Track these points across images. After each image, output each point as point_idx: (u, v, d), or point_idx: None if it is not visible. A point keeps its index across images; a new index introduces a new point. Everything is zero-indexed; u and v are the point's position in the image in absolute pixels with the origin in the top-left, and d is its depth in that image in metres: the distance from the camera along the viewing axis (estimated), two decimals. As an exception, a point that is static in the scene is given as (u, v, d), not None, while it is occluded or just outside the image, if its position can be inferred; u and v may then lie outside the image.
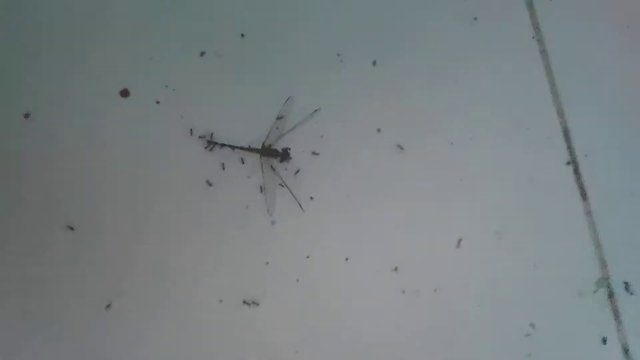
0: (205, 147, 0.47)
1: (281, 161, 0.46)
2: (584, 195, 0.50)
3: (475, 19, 0.52)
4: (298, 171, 0.47)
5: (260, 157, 0.47)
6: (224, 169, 0.47)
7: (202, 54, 0.48)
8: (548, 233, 0.50)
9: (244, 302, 0.46)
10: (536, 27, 0.53)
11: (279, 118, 0.47)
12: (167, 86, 0.48)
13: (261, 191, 0.46)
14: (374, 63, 0.50)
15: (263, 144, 0.47)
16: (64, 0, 0.48)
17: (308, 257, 0.47)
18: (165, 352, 0.45)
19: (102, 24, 0.48)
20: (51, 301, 0.45)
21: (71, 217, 0.46)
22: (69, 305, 0.45)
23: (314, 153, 0.48)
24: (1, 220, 0.46)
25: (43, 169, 0.46)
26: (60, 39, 0.48)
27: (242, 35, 0.49)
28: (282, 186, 0.47)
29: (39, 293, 0.45)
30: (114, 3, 0.49)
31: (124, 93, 0.47)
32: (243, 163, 0.47)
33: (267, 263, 0.47)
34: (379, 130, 0.50)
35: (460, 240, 0.49)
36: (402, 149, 0.49)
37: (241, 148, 0.47)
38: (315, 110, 0.48)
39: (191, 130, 0.47)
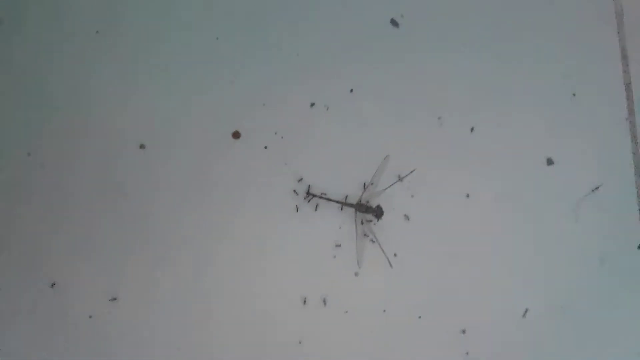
0: (304, 198, 0.50)
1: (376, 218, 0.49)
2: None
3: (574, 94, 0.53)
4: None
5: (355, 211, 0.49)
6: (316, 209, 0.50)
7: (312, 104, 0.51)
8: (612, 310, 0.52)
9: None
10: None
11: (377, 174, 0.49)
12: (276, 133, 0.50)
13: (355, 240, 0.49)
14: (472, 129, 0.52)
15: (359, 201, 0.49)
16: (186, 46, 0.52)
17: (385, 310, 0.50)
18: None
19: (221, 68, 0.51)
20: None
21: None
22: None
23: (405, 216, 0.51)
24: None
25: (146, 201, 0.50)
26: (184, 79, 0.51)
27: (351, 90, 0.51)
28: (373, 241, 0.49)
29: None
30: (236, 53, 0.52)
31: (236, 135, 0.49)
32: (341, 209, 0.50)
33: (346, 312, 0.50)
34: (467, 195, 0.52)
35: (527, 311, 0.51)
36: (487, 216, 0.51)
37: (337, 202, 0.49)
38: (412, 171, 0.50)
39: (298, 179, 0.50)
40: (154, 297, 0.49)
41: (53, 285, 0.49)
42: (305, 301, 0.49)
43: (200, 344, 0.49)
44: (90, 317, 0.49)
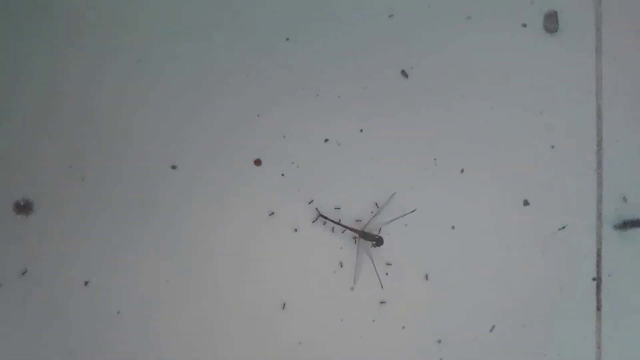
0: (315, 220, 0.57)
1: (375, 246, 0.57)
2: None
3: (553, 147, 0.61)
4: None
5: (359, 237, 0.57)
6: (332, 230, 0.57)
7: (326, 140, 0.58)
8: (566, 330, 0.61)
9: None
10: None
11: (382, 207, 0.57)
12: (292, 162, 0.57)
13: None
14: (462, 171, 0.60)
15: (363, 228, 0.57)
16: (219, 83, 0.57)
17: (374, 321, 0.59)
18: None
19: (250, 102, 0.58)
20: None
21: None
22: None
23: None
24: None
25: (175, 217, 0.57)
26: (216, 112, 0.57)
27: (361, 130, 0.58)
28: (371, 264, 0.57)
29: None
30: (263, 90, 0.58)
31: (257, 162, 0.56)
32: (343, 232, 0.57)
33: (342, 320, 0.58)
34: (453, 227, 0.60)
35: (493, 327, 0.60)
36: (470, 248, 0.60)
37: (345, 226, 0.57)
38: (413, 210, 0.58)
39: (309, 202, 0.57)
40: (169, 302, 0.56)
41: (86, 283, 0.56)
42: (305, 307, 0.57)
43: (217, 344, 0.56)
44: (118, 312, 0.56)
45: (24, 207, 0.54)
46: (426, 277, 0.59)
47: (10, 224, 0.55)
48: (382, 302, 0.58)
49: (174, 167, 0.57)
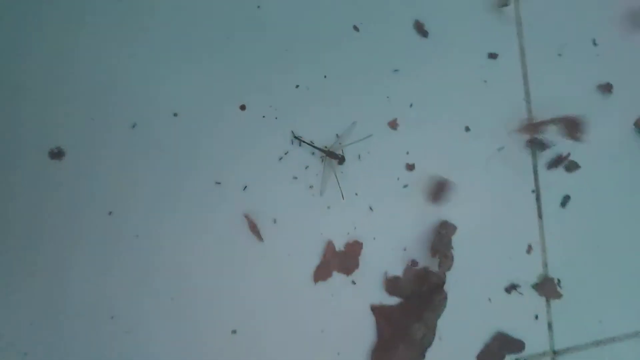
0: (292, 142, 0.70)
1: (339, 164, 0.70)
2: None
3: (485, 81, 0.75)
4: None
5: (325, 156, 0.70)
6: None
7: (297, 86, 0.72)
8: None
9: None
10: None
11: (341, 135, 0.71)
12: (270, 106, 0.71)
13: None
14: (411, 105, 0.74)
15: (329, 149, 0.70)
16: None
17: (349, 233, 0.71)
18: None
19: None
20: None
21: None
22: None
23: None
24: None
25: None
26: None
27: (325, 77, 0.73)
28: (336, 180, 0.70)
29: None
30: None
31: (242, 107, 0.70)
32: (312, 154, 0.70)
33: (322, 234, 0.71)
34: (407, 153, 0.73)
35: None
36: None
37: (315, 147, 0.69)
38: (369, 136, 0.71)
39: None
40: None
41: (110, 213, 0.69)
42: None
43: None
44: (136, 236, 0.69)
45: (57, 154, 0.67)
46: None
47: (46, 168, 0.67)
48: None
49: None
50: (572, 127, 0.76)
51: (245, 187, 0.69)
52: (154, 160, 0.68)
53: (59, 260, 0.65)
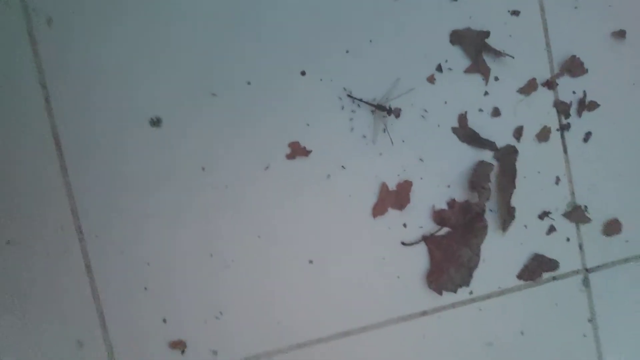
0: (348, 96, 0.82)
1: (387, 115, 0.81)
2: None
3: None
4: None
5: (375, 109, 0.82)
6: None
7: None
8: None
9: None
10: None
11: (387, 90, 0.83)
12: (326, 70, 0.84)
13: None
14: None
15: (378, 103, 0.82)
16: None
17: (399, 175, 0.84)
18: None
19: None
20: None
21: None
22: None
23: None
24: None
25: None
26: None
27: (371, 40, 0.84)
28: (384, 130, 0.83)
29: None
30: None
31: (303, 73, 0.83)
32: (359, 107, 0.82)
33: (376, 176, 0.83)
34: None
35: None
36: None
37: (366, 102, 0.81)
38: (410, 89, 0.83)
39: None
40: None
41: (203, 169, 0.83)
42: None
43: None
44: (226, 186, 0.83)
45: (156, 122, 0.82)
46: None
47: (148, 134, 0.81)
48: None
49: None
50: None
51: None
52: (235, 122, 0.81)
53: (166, 209, 0.80)
